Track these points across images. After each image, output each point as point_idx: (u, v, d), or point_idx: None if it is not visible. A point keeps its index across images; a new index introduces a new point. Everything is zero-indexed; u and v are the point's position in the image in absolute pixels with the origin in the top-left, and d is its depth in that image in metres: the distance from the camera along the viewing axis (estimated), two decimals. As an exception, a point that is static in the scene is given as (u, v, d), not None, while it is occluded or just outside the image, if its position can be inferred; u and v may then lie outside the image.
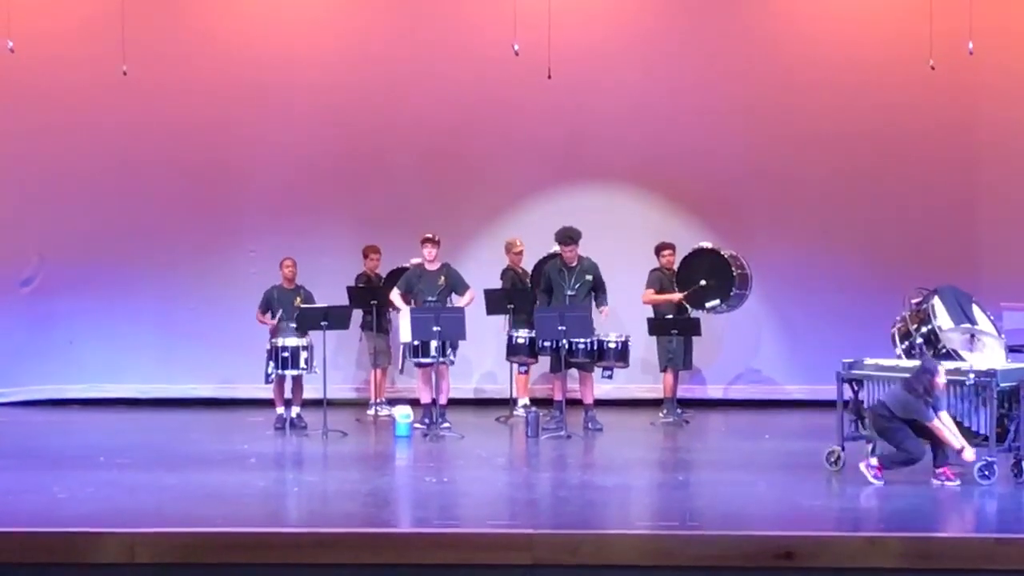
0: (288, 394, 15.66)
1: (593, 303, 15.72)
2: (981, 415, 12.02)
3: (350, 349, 17.57)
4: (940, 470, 11.97)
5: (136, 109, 17.73)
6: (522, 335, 15.99)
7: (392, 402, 16.50)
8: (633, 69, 17.98)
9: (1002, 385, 11.96)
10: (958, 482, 11.93)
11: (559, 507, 11.39)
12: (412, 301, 15.62)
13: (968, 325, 12.83)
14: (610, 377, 15.97)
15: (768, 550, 9.39)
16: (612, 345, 15.64)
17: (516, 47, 15.87)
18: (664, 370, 16.51)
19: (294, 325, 15.41)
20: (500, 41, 16.38)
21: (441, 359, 15.21)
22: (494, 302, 16.33)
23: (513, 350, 16.17)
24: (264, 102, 17.98)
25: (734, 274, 16.24)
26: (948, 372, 12.09)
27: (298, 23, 18.08)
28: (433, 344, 15.08)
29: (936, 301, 13.02)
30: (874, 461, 11.97)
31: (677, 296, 16.32)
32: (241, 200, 18.07)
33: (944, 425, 11.82)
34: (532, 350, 15.97)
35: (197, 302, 17.93)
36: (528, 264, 16.86)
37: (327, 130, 18.00)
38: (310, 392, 15.70)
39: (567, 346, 15.23)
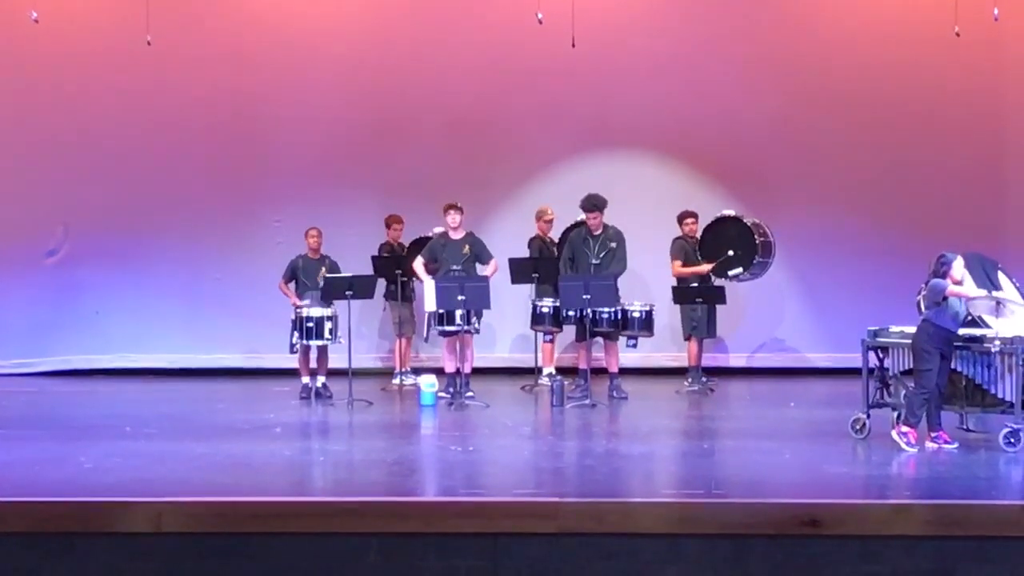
0: (313, 364, 15.70)
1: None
2: (1007, 382, 12.01)
3: (374, 318, 17.60)
4: (936, 434, 12.11)
5: (160, 79, 17.77)
6: (546, 304, 15.98)
7: (417, 371, 16.53)
8: (656, 37, 17.94)
9: (1028, 352, 11.96)
10: (955, 444, 12.08)
11: (585, 475, 11.39)
12: (437, 270, 15.62)
13: (994, 292, 12.79)
14: (635, 346, 15.97)
15: (793, 518, 9.40)
16: (636, 314, 15.65)
17: (540, 15, 15.84)
18: (688, 338, 16.52)
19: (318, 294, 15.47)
20: (524, 9, 16.35)
21: (466, 328, 15.22)
22: (519, 271, 16.31)
23: (537, 319, 16.18)
24: (288, 72, 17.99)
25: (757, 242, 16.22)
26: (972, 340, 12.16)
27: (321, -7, 18.11)
28: (458, 313, 15.08)
29: (962, 268, 13.00)
30: (904, 428, 12.00)
31: (706, 267, 16.29)
32: (266, 170, 18.09)
33: (961, 290, 12.13)
34: (556, 319, 15.97)
35: (223, 272, 18.00)
36: (555, 234, 16.84)
37: (351, 99, 18.01)
38: (335, 362, 15.74)
39: (591, 315, 15.24)
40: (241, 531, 9.56)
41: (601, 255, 15.54)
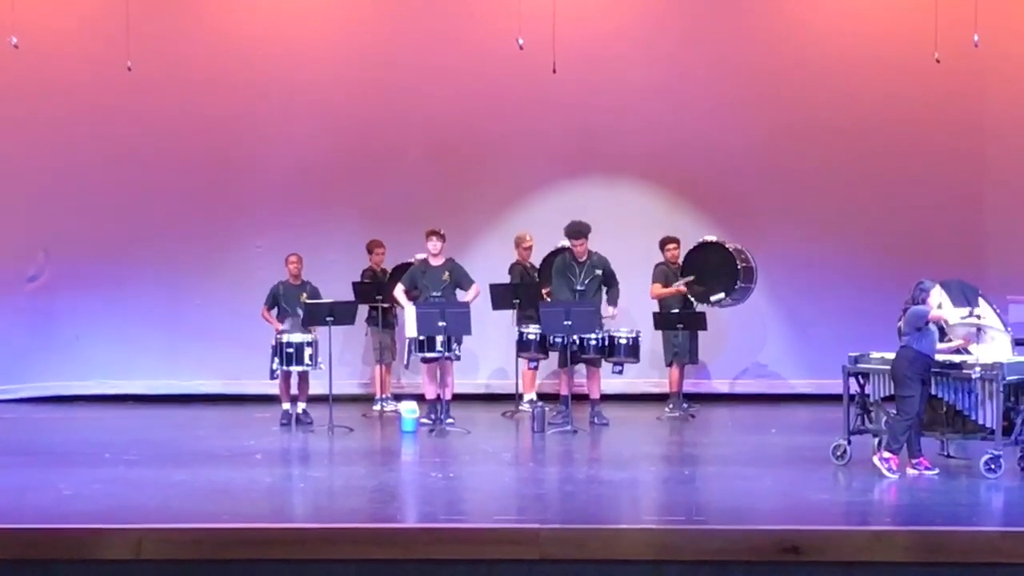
0: (294, 390, 15.66)
1: (604, 298, 15.67)
2: (987, 408, 12.02)
3: (355, 345, 17.56)
4: (916, 460, 12.14)
5: (141, 105, 17.73)
6: (533, 331, 15.94)
7: (398, 397, 16.50)
8: (638, 63, 17.95)
9: (1008, 378, 11.96)
10: (936, 471, 12.13)
11: (566, 502, 11.39)
12: (418, 297, 15.60)
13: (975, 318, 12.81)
14: (620, 372, 15.95)
15: (774, 544, 9.39)
16: (623, 341, 15.64)
17: (520, 41, 15.84)
18: (670, 364, 16.50)
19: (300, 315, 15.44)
20: (504, 35, 16.36)
21: (446, 354, 15.21)
22: (500, 297, 16.30)
23: (524, 346, 16.13)
24: (269, 98, 17.97)
25: (739, 267, 16.24)
26: (952, 366, 12.19)
27: (302, 18, 18.08)
28: (439, 339, 15.06)
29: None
30: (886, 454, 12.01)
31: (680, 285, 16.25)
32: (247, 196, 18.06)
33: (943, 313, 12.30)
34: (543, 346, 15.94)
35: (203, 298, 17.95)
36: (536, 259, 16.84)
37: (332, 126, 17.99)
38: (316, 388, 15.71)
39: (578, 341, 15.22)
40: (221, 558, 9.53)
41: (586, 281, 15.53)
